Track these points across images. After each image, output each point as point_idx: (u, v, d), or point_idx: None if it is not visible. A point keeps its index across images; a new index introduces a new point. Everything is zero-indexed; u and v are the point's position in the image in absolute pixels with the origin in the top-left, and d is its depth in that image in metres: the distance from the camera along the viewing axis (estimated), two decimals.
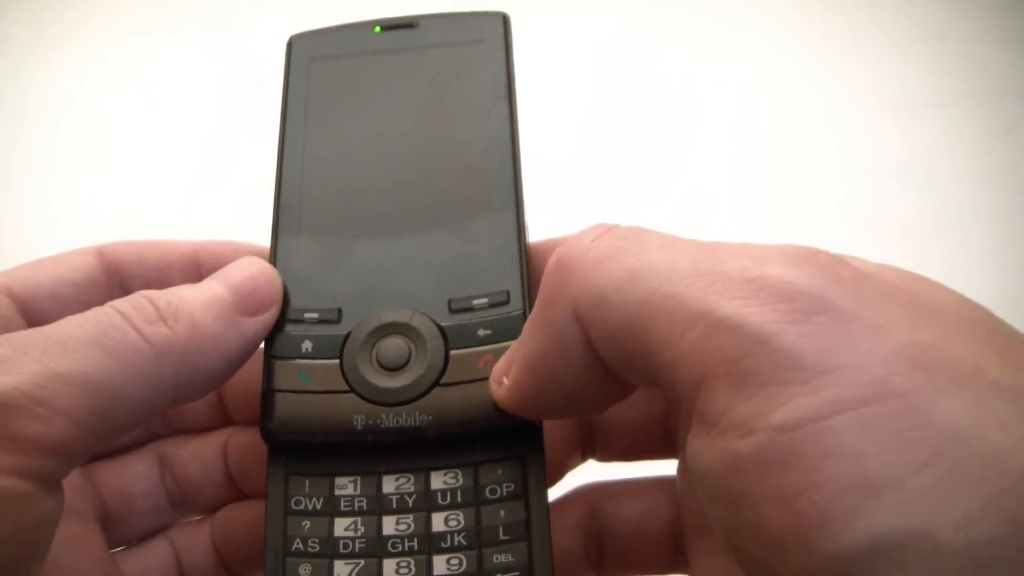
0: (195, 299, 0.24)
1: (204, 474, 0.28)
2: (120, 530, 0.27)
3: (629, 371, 0.20)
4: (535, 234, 0.27)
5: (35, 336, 0.21)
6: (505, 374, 0.23)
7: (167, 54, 0.63)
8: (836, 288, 0.17)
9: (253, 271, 0.25)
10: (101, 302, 0.25)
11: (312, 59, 0.29)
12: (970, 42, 0.60)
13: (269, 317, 0.25)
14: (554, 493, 0.26)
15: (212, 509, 0.29)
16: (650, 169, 0.56)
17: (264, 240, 0.27)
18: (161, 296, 0.23)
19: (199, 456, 0.28)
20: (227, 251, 0.28)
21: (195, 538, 0.28)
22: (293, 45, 0.29)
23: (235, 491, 0.29)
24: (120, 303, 0.23)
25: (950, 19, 0.62)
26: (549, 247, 0.26)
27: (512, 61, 0.28)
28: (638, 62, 0.61)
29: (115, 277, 0.28)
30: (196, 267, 0.28)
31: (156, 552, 0.28)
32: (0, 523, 0.19)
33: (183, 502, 0.28)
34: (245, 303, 0.25)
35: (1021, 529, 0.15)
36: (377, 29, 0.29)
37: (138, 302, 0.23)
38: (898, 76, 0.59)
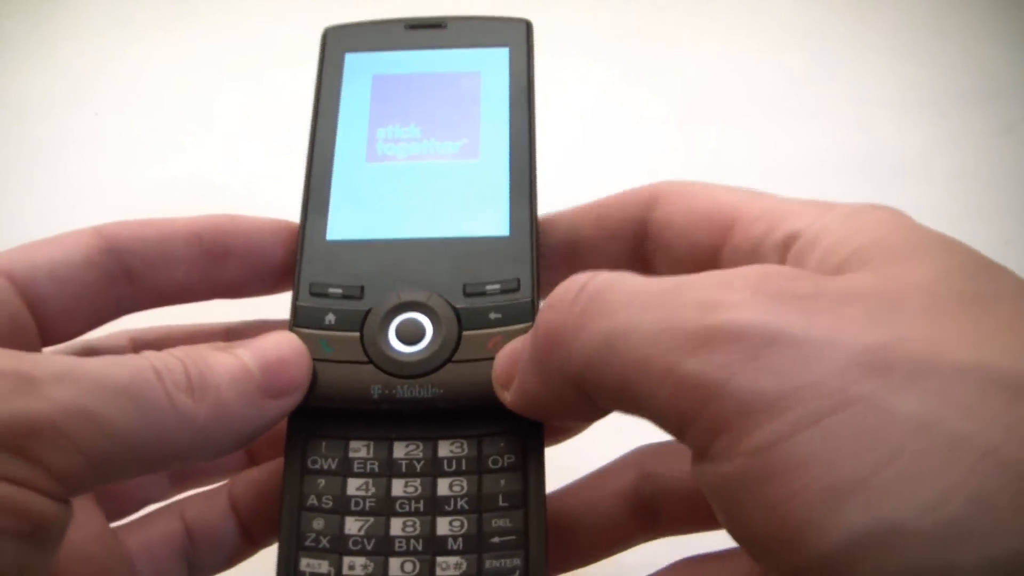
0: (224, 373, 0.24)
1: None
2: (117, 502, 0.28)
3: (624, 411, 0.22)
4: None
5: (73, 365, 0.21)
6: (508, 383, 0.24)
7: (167, 51, 0.63)
8: (787, 315, 0.19)
9: (285, 352, 0.25)
10: (100, 282, 0.27)
11: (346, 51, 0.31)
12: (970, 42, 0.60)
13: (290, 403, 0.25)
14: (591, 459, 0.28)
15: (215, 478, 0.30)
16: (649, 169, 0.56)
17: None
18: (193, 364, 0.23)
19: None
20: (228, 224, 0.28)
21: (208, 505, 0.28)
22: (328, 36, 0.31)
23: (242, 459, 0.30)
24: (157, 360, 0.23)
25: (950, 19, 0.61)
26: (558, 219, 0.29)
27: (533, 66, 0.30)
28: (638, 62, 0.61)
29: (114, 256, 0.27)
30: (198, 242, 0.28)
31: (160, 523, 0.28)
32: (20, 526, 0.20)
33: (182, 472, 0.29)
34: (272, 385, 0.25)
35: (986, 505, 0.17)
36: (407, 26, 0.31)
37: (173, 365, 0.23)
38: (898, 76, 0.58)
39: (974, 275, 0.20)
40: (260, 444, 0.28)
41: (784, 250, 0.23)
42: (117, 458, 0.22)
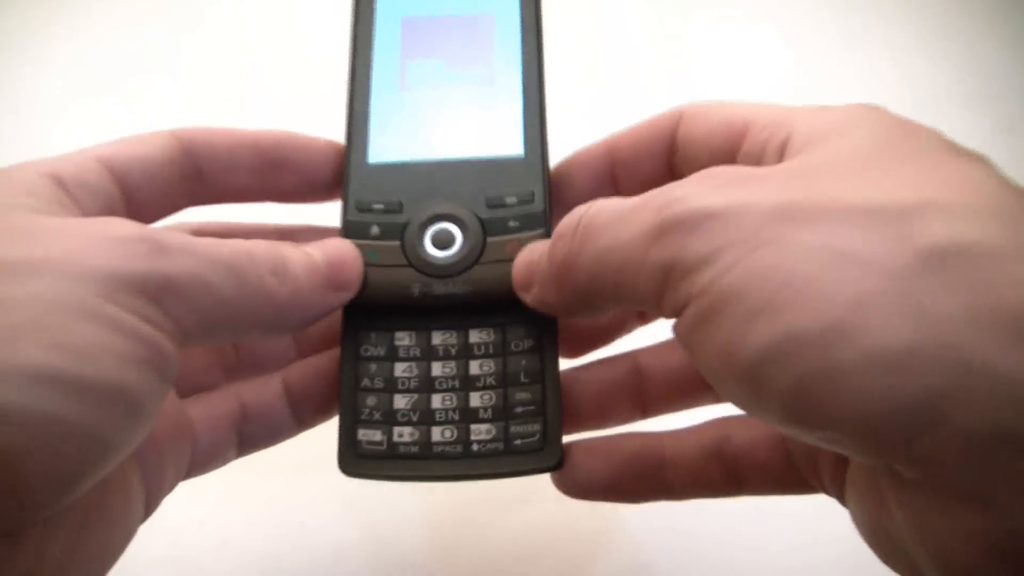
0: (300, 264, 0.28)
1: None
2: (178, 385, 0.31)
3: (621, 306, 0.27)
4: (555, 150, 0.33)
5: (191, 239, 0.25)
6: (527, 287, 0.29)
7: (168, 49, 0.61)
8: (718, 197, 0.23)
9: (345, 254, 0.30)
10: (177, 178, 0.30)
11: None
12: (970, 42, 0.60)
13: (347, 296, 0.30)
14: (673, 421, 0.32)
15: (266, 370, 0.33)
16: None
17: None
18: (278, 253, 0.28)
19: None
20: (287, 140, 0.32)
21: (264, 389, 0.32)
22: None
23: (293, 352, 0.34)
24: (252, 246, 0.27)
25: (950, 19, 0.61)
26: (565, 167, 0.33)
27: (540, 5, 0.34)
28: (640, 62, 0.60)
29: (190, 157, 0.31)
30: (260, 152, 0.32)
31: (219, 399, 0.32)
32: (153, 357, 0.24)
33: (243, 361, 0.33)
34: (335, 279, 0.29)
35: (866, 307, 0.20)
36: None
37: (263, 252, 0.27)
38: (898, 76, 0.58)
39: (892, 142, 0.24)
40: (309, 339, 0.34)
41: (782, 150, 0.27)
42: (217, 321, 0.26)
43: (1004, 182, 0.23)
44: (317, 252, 0.29)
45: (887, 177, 0.23)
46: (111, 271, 0.23)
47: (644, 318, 0.34)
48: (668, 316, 0.24)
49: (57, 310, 0.22)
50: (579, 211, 0.27)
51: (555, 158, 0.33)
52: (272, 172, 0.32)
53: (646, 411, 0.32)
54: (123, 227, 0.25)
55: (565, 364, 0.31)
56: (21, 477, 0.21)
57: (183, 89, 0.58)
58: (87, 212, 0.27)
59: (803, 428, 0.22)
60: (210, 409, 0.32)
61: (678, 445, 0.30)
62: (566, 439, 0.30)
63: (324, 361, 0.33)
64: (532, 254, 0.29)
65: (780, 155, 0.27)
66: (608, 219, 0.26)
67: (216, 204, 0.33)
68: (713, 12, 0.62)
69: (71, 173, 0.27)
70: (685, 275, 0.23)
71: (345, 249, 0.30)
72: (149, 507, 0.28)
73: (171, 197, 0.31)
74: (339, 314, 0.31)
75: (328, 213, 0.33)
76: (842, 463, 0.26)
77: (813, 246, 0.21)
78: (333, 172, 0.33)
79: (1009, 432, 0.19)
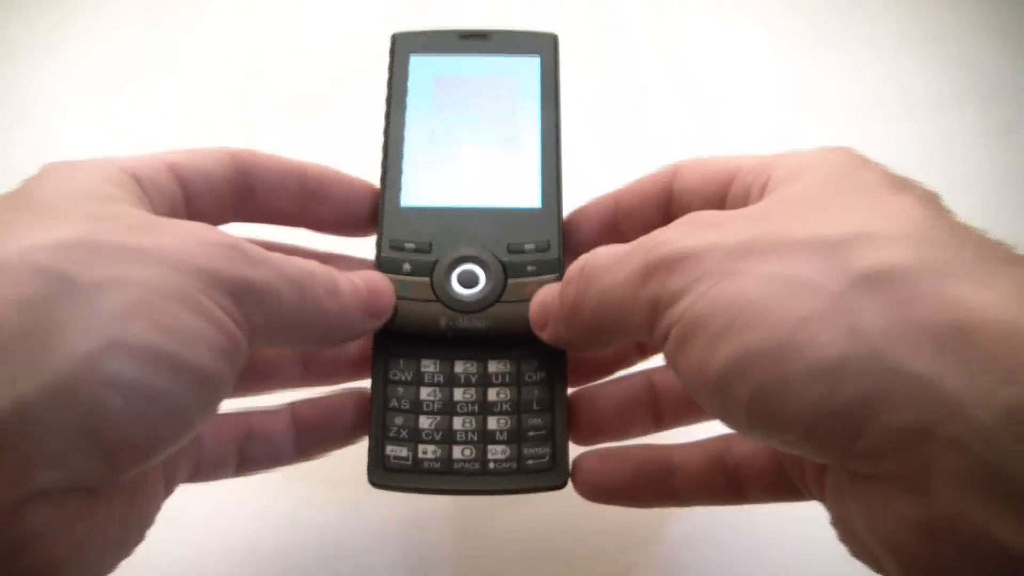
0: (348, 288, 0.31)
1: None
2: None
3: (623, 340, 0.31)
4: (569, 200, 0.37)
5: (266, 252, 0.29)
6: (543, 325, 0.33)
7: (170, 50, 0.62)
8: (693, 239, 0.27)
9: (382, 285, 0.33)
10: (231, 194, 0.34)
11: (411, 53, 0.39)
12: (970, 42, 0.60)
13: (380, 323, 0.33)
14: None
15: (274, 385, 0.36)
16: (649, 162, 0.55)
17: None
18: (332, 275, 0.31)
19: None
20: (331, 175, 0.36)
21: (273, 416, 0.35)
22: (396, 41, 0.39)
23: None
24: (313, 266, 0.30)
25: (950, 19, 0.61)
26: (577, 216, 0.37)
27: (558, 71, 0.38)
28: (641, 63, 0.61)
29: (245, 177, 0.34)
30: (307, 182, 0.35)
31: (229, 416, 0.34)
32: (228, 346, 0.27)
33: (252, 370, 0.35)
34: (373, 306, 0.33)
35: (807, 325, 0.23)
36: (460, 36, 0.39)
37: (321, 272, 0.30)
38: (898, 76, 0.59)
39: (842, 181, 0.28)
40: (320, 364, 0.37)
41: (763, 191, 0.30)
42: (279, 326, 0.29)
43: (933, 212, 0.26)
44: (360, 280, 0.32)
45: (831, 213, 0.26)
46: (209, 270, 0.27)
47: (644, 353, 0.37)
48: (659, 343, 0.28)
49: (165, 296, 0.25)
50: (583, 258, 0.31)
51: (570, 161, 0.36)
52: (313, 202, 0.35)
53: (660, 423, 0.36)
54: (217, 233, 0.28)
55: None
56: (116, 440, 0.24)
57: (183, 86, 0.59)
58: (157, 210, 0.30)
59: (765, 433, 0.25)
60: (218, 420, 0.34)
61: (685, 455, 0.34)
62: (588, 448, 0.34)
63: (334, 399, 0.36)
64: (546, 296, 0.33)
65: (761, 195, 0.30)
66: (607, 264, 0.30)
67: (259, 223, 0.36)
68: (708, 13, 0.63)
69: (146, 173, 0.30)
70: (668, 307, 0.27)
71: (382, 281, 0.34)
72: (166, 495, 0.31)
73: (223, 210, 0.34)
74: (349, 344, 0.35)
75: (341, 246, 0.36)
76: (822, 469, 0.29)
77: (767, 275, 0.25)
78: (367, 211, 0.36)
79: (930, 429, 0.22)
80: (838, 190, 0.28)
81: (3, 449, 0.23)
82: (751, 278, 0.25)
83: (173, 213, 0.31)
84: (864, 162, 0.29)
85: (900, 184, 0.28)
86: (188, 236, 0.27)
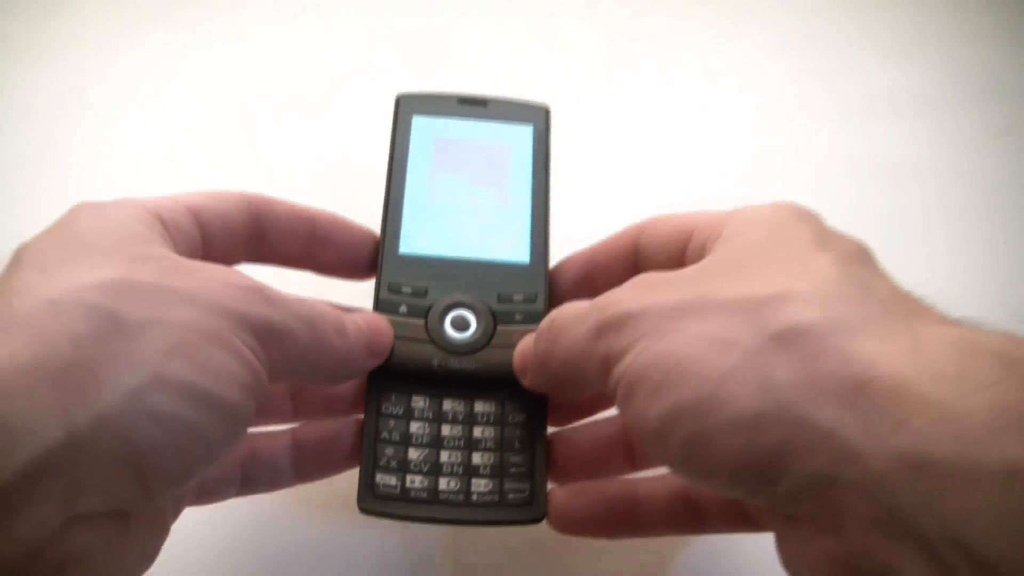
0: (353, 329, 0.34)
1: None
2: None
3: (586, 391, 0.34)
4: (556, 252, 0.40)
5: (284, 295, 0.31)
6: (523, 372, 0.35)
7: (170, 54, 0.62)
8: (637, 302, 0.29)
9: (382, 327, 0.36)
10: (244, 237, 0.35)
11: (413, 113, 0.42)
12: (970, 42, 0.61)
13: (379, 361, 0.36)
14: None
15: (269, 421, 0.38)
16: (648, 170, 0.56)
17: None
18: (339, 316, 0.33)
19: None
20: (336, 222, 0.38)
21: (274, 439, 0.37)
22: (400, 101, 0.42)
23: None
24: (323, 307, 0.33)
25: (950, 19, 0.62)
26: (559, 268, 0.40)
27: (550, 140, 0.42)
28: (643, 65, 0.61)
29: (258, 222, 0.36)
30: (314, 228, 0.37)
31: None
32: (249, 379, 0.29)
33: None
34: (373, 345, 0.35)
35: (729, 380, 0.26)
36: (459, 101, 0.42)
37: (331, 313, 0.33)
38: (898, 76, 0.59)
39: (770, 241, 0.30)
40: (311, 400, 0.39)
41: (713, 247, 0.32)
42: (294, 364, 0.31)
43: (847, 271, 0.28)
44: (362, 321, 0.35)
45: (756, 273, 0.29)
46: (236, 311, 0.29)
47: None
48: (612, 395, 0.30)
49: (200, 336, 0.28)
50: (552, 314, 0.34)
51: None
52: (320, 247, 0.38)
53: (635, 464, 0.38)
54: (240, 276, 0.30)
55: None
56: (153, 469, 0.26)
57: (185, 88, 0.60)
58: (178, 249, 0.32)
59: (699, 478, 0.28)
60: None
61: (651, 488, 0.37)
62: (563, 486, 0.37)
63: (334, 426, 0.38)
64: (524, 347, 0.36)
65: (711, 250, 0.32)
66: (569, 322, 0.33)
67: (267, 265, 0.38)
68: (707, 14, 0.64)
69: (169, 215, 0.32)
70: (616, 362, 0.29)
71: (383, 322, 0.36)
72: (174, 517, 0.33)
73: (236, 251, 0.36)
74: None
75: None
76: None
77: (695, 334, 0.28)
78: (368, 257, 0.39)
79: (835, 476, 0.24)
80: (767, 249, 0.30)
81: (54, 475, 0.24)
82: (682, 337, 0.28)
83: (192, 253, 0.33)
84: (800, 219, 0.31)
85: (824, 242, 0.30)
86: (216, 279, 0.30)
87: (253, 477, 0.37)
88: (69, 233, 0.30)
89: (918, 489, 0.23)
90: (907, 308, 0.27)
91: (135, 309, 0.27)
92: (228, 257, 0.36)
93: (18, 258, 0.29)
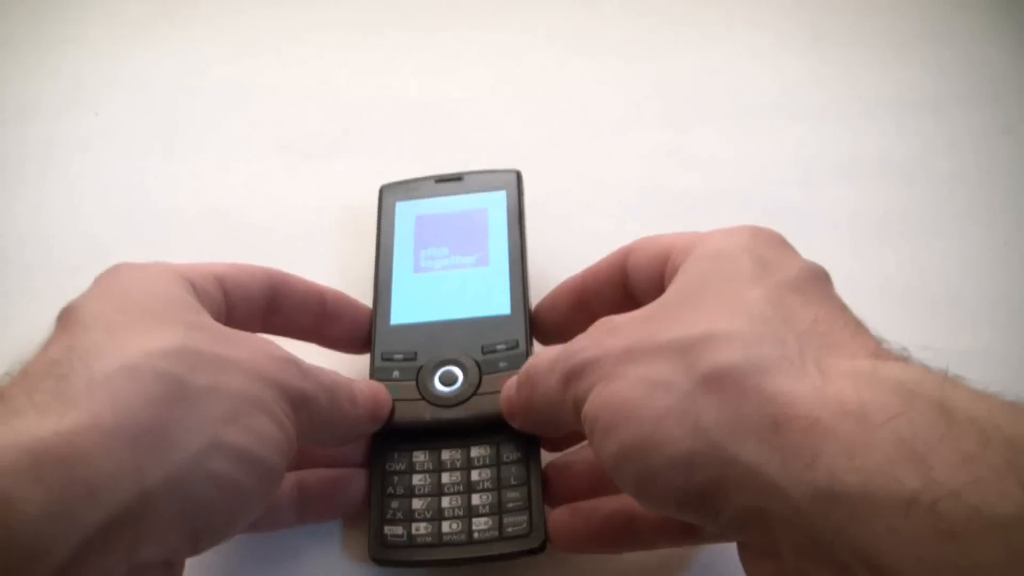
0: (360, 397, 0.37)
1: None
2: None
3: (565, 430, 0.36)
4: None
5: (310, 366, 0.34)
6: (512, 416, 0.38)
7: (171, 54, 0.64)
8: (597, 348, 0.32)
9: (382, 393, 0.39)
10: (263, 308, 0.38)
11: (396, 200, 0.46)
12: (970, 42, 0.60)
13: (379, 425, 0.39)
14: None
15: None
16: (648, 170, 0.56)
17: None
18: (351, 385, 0.37)
19: None
20: (342, 299, 0.41)
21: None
22: (384, 191, 0.46)
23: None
24: (339, 377, 0.36)
25: (950, 19, 0.62)
26: (552, 295, 0.42)
27: (523, 202, 0.45)
28: (641, 65, 0.62)
29: (274, 294, 0.39)
30: (325, 305, 0.41)
31: None
32: (283, 444, 0.32)
33: None
34: (375, 412, 0.38)
35: (666, 422, 0.28)
36: (436, 180, 0.46)
37: (345, 382, 0.36)
38: (898, 76, 0.59)
39: (709, 277, 0.32)
40: (308, 458, 0.40)
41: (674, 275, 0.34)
42: (315, 429, 0.34)
43: (770, 309, 0.29)
44: (367, 389, 0.38)
45: (691, 312, 0.31)
46: (278, 381, 0.32)
47: None
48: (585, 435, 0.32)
49: (250, 403, 0.31)
50: (528, 363, 0.37)
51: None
52: (328, 322, 0.41)
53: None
54: (279, 348, 0.34)
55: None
56: (205, 525, 0.30)
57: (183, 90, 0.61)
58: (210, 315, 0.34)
59: (654, 508, 0.30)
60: None
61: None
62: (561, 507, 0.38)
63: (338, 475, 0.40)
64: (508, 393, 0.38)
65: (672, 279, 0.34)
66: (543, 370, 0.35)
67: (279, 336, 0.40)
68: (710, 15, 0.64)
69: (199, 282, 0.35)
70: (581, 406, 0.32)
71: (383, 390, 0.39)
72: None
73: (253, 321, 0.39)
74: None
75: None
76: None
77: (639, 377, 0.30)
78: (368, 332, 0.42)
79: (764, 508, 0.26)
80: (708, 284, 0.32)
81: (123, 527, 0.27)
82: (627, 381, 0.30)
83: (217, 318, 0.35)
84: (748, 248, 0.32)
85: (762, 274, 0.31)
86: (260, 350, 0.33)
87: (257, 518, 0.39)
88: (121, 294, 0.32)
89: (832, 518, 0.24)
90: (822, 342, 0.28)
91: (197, 376, 0.30)
92: (246, 325, 0.37)
93: (76, 318, 0.31)
